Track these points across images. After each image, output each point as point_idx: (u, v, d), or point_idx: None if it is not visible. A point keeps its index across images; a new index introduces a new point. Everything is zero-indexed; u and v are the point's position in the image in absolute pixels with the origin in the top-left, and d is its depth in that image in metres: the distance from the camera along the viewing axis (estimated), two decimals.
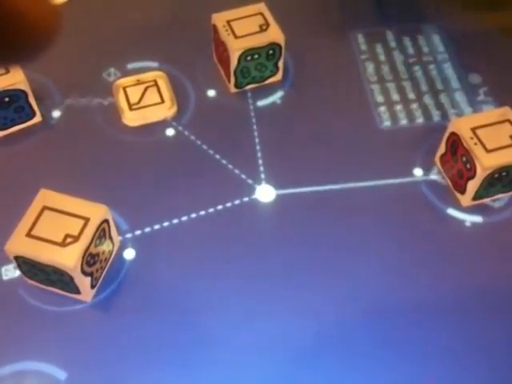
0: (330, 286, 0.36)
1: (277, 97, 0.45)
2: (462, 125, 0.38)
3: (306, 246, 0.38)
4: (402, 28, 0.49)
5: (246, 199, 0.40)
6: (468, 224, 0.39)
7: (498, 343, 0.34)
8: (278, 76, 0.46)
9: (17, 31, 0.15)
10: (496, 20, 0.50)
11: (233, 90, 0.45)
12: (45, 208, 0.33)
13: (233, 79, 0.45)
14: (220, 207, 0.39)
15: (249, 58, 0.43)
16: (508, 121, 0.39)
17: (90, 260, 0.33)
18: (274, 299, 0.36)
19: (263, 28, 0.43)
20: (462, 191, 0.39)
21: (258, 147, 0.42)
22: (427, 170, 0.41)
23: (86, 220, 0.33)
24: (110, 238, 0.35)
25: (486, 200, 0.40)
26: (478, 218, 0.39)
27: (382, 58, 0.48)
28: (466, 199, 0.39)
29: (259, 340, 0.34)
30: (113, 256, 0.36)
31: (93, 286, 0.34)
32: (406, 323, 0.35)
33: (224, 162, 0.42)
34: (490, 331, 0.35)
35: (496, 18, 0.50)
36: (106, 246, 0.35)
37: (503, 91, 0.45)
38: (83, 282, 0.33)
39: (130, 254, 0.37)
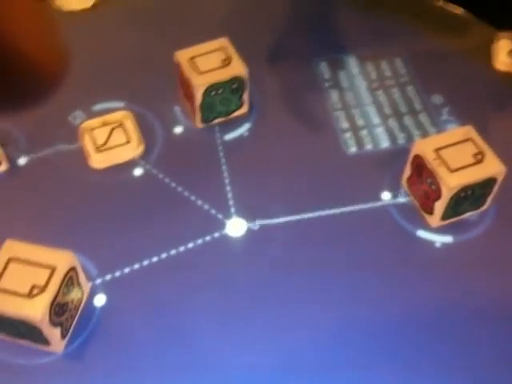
0: (304, 317, 0.36)
1: (244, 129, 0.46)
2: (424, 146, 0.39)
3: (280, 279, 0.38)
4: (363, 53, 0.50)
5: (216, 235, 0.40)
6: (438, 245, 0.39)
7: (471, 362, 0.34)
8: (244, 109, 0.46)
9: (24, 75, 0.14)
10: (454, 41, 0.51)
11: (199, 125, 0.46)
12: (10, 260, 0.33)
13: (199, 115, 0.45)
14: (191, 245, 0.39)
15: (213, 93, 0.43)
16: (470, 140, 0.39)
17: (58, 310, 0.32)
18: (249, 335, 0.35)
19: (226, 63, 0.44)
20: (430, 212, 0.39)
21: (227, 181, 0.43)
22: (395, 193, 0.42)
23: (53, 269, 0.32)
24: (79, 285, 0.35)
25: (455, 219, 0.40)
26: (447, 238, 0.39)
27: (346, 84, 0.48)
28: (434, 220, 0.39)
29: (233, 377, 0.34)
30: (83, 303, 0.36)
31: (63, 337, 0.34)
32: (375, 345, 0.35)
33: (193, 198, 0.42)
34: (462, 350, 0.35)
35: (454, 39, 0.51)
36: (74, 294, 0.34)
37: (465, 110, 0.46)
38: (53, 334, 0.32)
39: (100, 300, 0.36)
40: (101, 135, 0.44)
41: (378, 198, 0.41)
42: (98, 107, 0.47)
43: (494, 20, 0.51)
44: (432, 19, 0.53)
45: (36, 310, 0.31)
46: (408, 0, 0.54)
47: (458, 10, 0.53)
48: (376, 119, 0.46)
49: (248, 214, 0.40)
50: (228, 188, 0.42)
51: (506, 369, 0.34)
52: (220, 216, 0.41)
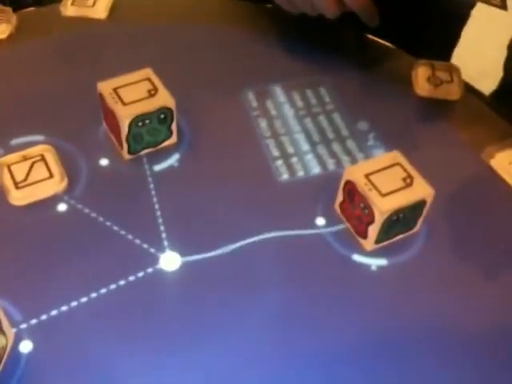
0: (244, 348, 0.35)
1: (174, 160, 0.45)
2: (355, 172, 0.39)
3: (215, 312, 0.36)
4: (288, 83, 0.51)
5: (149, 270, 0.38)
6: (374, 268, 0.39)
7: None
8: (173, 139, 0.45)
9: None
10: (376, 69, 0.53)
11: (127, 156, 0.44)
12: None
13: (125, 146, 0.43)
14: (122, 282, 0.37)
15: (140, 123, 0.42)
16: (398, 164, 0.40)
17: None
18: (188, 371, 0.34)
19: (152, 93, 0.43)
20: (364, 236, 0.40)
21: (158, 213, 0.41)
22: (329, 218, 0.42)
23: None
24: (2, 331, 0.32)
25: (388, 242, 0.40)
26: (382, 261, 0.40)
27: (274, 112, 0.48)
28: (368, 244, 0.40)
29: None
30: (7, 351, 0.33)
31: None
32: (316, 372, 0.34)
33: (123, 232, 0.40)
34: (400, 371, 0.35)
35: (376, 67, 0.53)
36: None
37: (390, 135, 0.47)
38: None
39: (26, 346, 0.34)
40: (20, 170, 0.42)
41: (313, 224, 0.41)
42: (16, 142, 0.44)
43: (412, 49, 0.54)
44: (353, 49, 0.55)
45: None
46: (328, 31, 0.55)
47: (379, 41, 0.55)
48: (305, 146, 0.46)
49: (182, 247, 0.39)
50: (160, 220, 0.41)
51: None
52: (152, 250, 0.39)
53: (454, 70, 0.52)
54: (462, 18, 0.69)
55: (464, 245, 0.41)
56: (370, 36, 0.55)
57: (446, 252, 0.41)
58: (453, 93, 0.50)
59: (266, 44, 0.54)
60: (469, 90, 0.51)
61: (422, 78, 0.51)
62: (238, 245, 0.40)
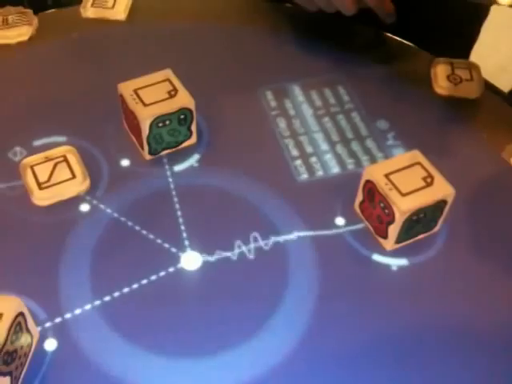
0: (266, 347, 0.35)
1: (193, 160, 0.45)
2: (375, 172, 0.39)
3: (236, 310, 0.37)
4: (307, 82, 0.51)
5: (171, 269, 0.38)
6: (394, 268, 0.39)
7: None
8: (193, 139, 0.46)
9: None
10: (395, 68, 0.53)
11: (147, 157, 0.45)
12: None
13: (146, 147, 0.44)
14: (144, 281, 0.38)
15: (160, 124, 0.43)
16: (418, 163, 0.40)
17: (7, 359, 0.30)
18: (208, 372, 0.34)
19: (172, 94, 0.43)
20: (385, 236, 0.40)
21: (179, 213, 0.42)
22: (348, 218, 0.42)
23: None
24: (28, 330, 0.33)
25: (409, 242, 0.40)
26: (403, 261, 0.40)
27: (292, 112, 0.49)
28: (389, 244, 0.40)
29: None
30: (32, 349, 0.34)
31: None
32: (339, 372, 0.34)
33: (144, 232, 0.40)
34: (424, 371, 0.35)
35: (395, 66, 0.53)
36: (23, 341, 0.32)
37: (410, 134, 0.47)
38: None
39: (51, 344, 0.34)
40: (43, 171, 0.42)
41: (333, 224, 0.41)
42: (38, 143, 0.45)
43: (431, 47, 0.53)
44: (372, 47, 0.55)
45: None
46: (347, 29, 0.55)
47: (398, 39, 0.55)
48: (324, 146, 0.46)
49: (202, 247, 0.39)
50: (180, 220, 0.41)
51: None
52: (174, 250, 0.39)
53: (473, 68, 0.51)
54: (480, 15, 0.69)
55: (484, 244, 0.41)
56: (388, 34, 0.55)
57: (466, 252, 0.41)
58: (472, 91, 0.50)
59: (284, 43, 0.54)
60: (488, 87, 0.51)
61: (441, 77, 0.50)
62: (257, 245, 0.40)
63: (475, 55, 0.66)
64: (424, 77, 0.51)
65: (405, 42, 0.55)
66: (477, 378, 0.35)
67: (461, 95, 0.50)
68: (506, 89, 0.55)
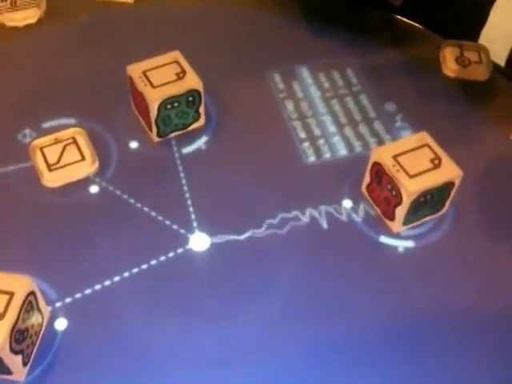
0: (271, 326, 0.36)
1: (201, 142, 0.45)
2: (383, 154, 0.39)
3: (244, 290, 0.37)
4: (315, 64, 0.51)
5: (180, 250, 0.39)
6: (401, 250, 0.40)
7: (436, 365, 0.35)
8: (201, 121, 0.46)
9: None
10: (404, 50, 0.52)
11: (156, 139, 0.45)
12: None
13: (155, 129, 0.44)
14: (154, 262, 0.38)
15: (169, 106, 0.43)
16: (426, 145, 0.40)
17: (18, 337, 0.31)
18: (218, 348, 0.35)
19: (180, 76, 0.43)
20: (392, 218, 0.40)
21: (187, 195, 0.42)
22: (356, 200, 0.42)
23: (11, 295, 0.31)
24: (39, 309, 0.33)
25: (416, 224, 0.41)
26: (409, 243, 0.40)
27: (300, 94, 0.49)
28: (396, 225, 0.40)
29: None
30: (43, 328, 0.34)
31: (25, 364, 0.32)
32: (347, 350, 0.35)
33: (153, 213, 0.41)
34: (425, 355, 0.35)
35: (404, 48, 0.53)
36: (34, 320, 0.33)
37: (418, 116, 0.47)
38: (14, 362, 0.31)
39: (61, 324, 0.35)
40: (53, 153, 0.42)
41: (340, 206, 0.41)
42: (47, 125, 0.45)
43: (440, 29, 0.53)
44: (380, 29, 0.55)
45: None
46: (355, 11, 0.55)
47: (407, 21, 0.55)
48: (332, 128, 0.46)
49: (210, 228, 0.40)
50: (189, 202, 0.41)
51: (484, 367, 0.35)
52: (182, 231, 0.40)
53: (482, 51, 0.51)
54: None
55: (491, 227, 0.41)
56: (397, 16, 0.55)
57: (473, 234, 0.41)
58: (481, 73, 0.50)
59: (292, 25, 0.54)
60: (497, 70, 0.51)
61: (449, 59, 0.50)
62: (264, 226, 0.40)
63: (484, 38, 0.66)
64: (433, 59, 0.51)
65: (414, 24, 0.54)
66: (485, 357, 0.35)
67: (469, 77, 0.50)
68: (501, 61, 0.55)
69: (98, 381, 0.33)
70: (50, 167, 0.42)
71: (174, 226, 0.40)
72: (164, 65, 0.44)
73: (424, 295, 0.38)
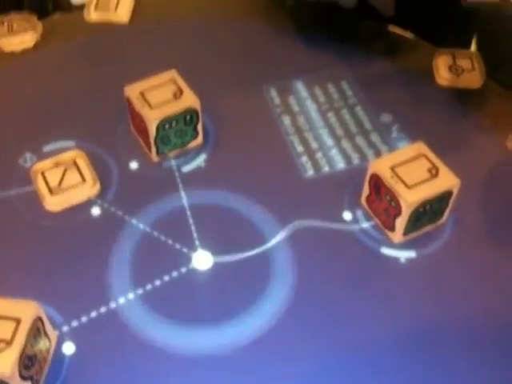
0: (276, 343, 0.36)
1: (200, 160, 0.45)
2: (381, 165, 0.40)
3: (249, 307, 0.37)
4: (310, 77, 0.51)
5: (183, 269, 0.39)
6: (403, 260, 0.40)
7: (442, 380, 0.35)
8: (199, 139, 0.46)
9: None
10: (397, 60, 0.53)
11: (155, 158, 0.45)
12: None
13: (154, 148, 0.44)
14: (158, 282, 0.38)
15: (167, 126, 0.43)
16: (423, 155, 0.41)
17: (27, 363, 0.31)
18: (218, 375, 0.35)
19: (177, 95, 0.44)
20: (392, 228, 0.40)
21: (188, 213, 0.42)
22: (356, 212, 0.42)
23: (18, 321, 0.31)
24: (46, 334, 0.33)
25: (416, 234, 0.41)
26: (411, 253, 0.40)
27: (297, 108, 0.49)
28: (396, 236, 0.40)
29: None
30: (51, 353, 0.34)
31: None
32: (346, 365, 0.35)
33: (156, 233, 0.41)
34: (432, 368, 0.35)
35: (396, 58, 0.53)
36: (42, 345, 0.33)
37: (414, 126, 0.47)
38: None
39: (69, 348, 0.35)
40: (54, 176, 0.43)
41: (340, 219, 0.42)
42: (48, 148, 0.46)
43: (432, 38, 0.54)
44: (373, 40, 0.55)
45: (5, 366, 0.29)
46: (347, 23, 0.55)
47: (398, 31, 0.55)
48: (329, 141, 0.47)
49: (213, 246, 0.40)
50: (191, 221, 0.41)
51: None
52: (185, 250, 0.40)
53: (474, 58, 0.52)
54: None
55: (492, 234, 0.42)
56: (389, 26, 0.55)
57: (474, 242, 0.41)
58: (474, 81, 0.50)
59: (284, 39, 0.54)
60: (490, 76, 0.51)
61: (442, 68, 0.51)
62: (266, 242, 0.40)
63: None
64: (426, 68, 0.51)
65: (406, 33, 0.55)
66: (488, 372, 0.35)
67: (463, 85, 0.50)
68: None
69: None
70: (51, 191, 0.42)
71: (177, 245, 0.40)
72: (161, 84, 0.44)
73: (428, 304, 0.38)
